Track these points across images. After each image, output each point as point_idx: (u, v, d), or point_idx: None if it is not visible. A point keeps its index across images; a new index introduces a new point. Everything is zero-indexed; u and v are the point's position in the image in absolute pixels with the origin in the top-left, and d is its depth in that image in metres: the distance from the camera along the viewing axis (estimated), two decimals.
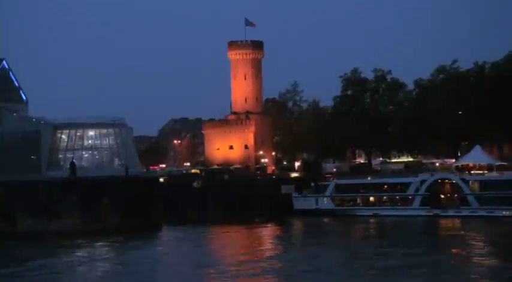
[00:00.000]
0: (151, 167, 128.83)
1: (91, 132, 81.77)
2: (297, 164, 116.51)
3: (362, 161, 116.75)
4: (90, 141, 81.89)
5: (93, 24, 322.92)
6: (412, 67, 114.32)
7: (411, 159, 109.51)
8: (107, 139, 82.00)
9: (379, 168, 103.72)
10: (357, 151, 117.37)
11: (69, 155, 79.90)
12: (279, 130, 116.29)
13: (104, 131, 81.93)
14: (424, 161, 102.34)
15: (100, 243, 65.91)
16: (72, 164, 77.22)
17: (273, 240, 69.10)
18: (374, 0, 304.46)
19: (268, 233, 76.14)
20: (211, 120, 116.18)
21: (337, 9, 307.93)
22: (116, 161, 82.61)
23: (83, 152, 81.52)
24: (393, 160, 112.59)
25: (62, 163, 79.53)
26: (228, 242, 69.15)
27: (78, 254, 60.30)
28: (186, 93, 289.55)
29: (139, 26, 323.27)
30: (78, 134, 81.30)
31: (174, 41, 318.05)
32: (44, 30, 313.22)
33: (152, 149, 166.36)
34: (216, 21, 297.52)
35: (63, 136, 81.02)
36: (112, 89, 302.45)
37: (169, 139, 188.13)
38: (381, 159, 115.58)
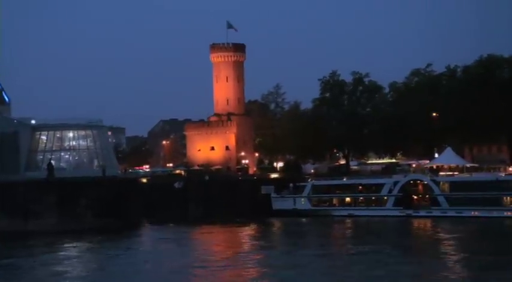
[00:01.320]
0: (136, 168, 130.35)
1: (69, 134, 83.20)
2: (279, 164, 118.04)
3: (343, 162, 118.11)
4: (68, 143, 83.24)
5: (87, 26, 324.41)
6: (391, 70, 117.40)
7: (394, 160, 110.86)
8: (85, 140, 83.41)
9: (357, 169, 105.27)
10: (338, 153, 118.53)
11: (48, 156, 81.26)
12: (261, 131, 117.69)
13: (82, 132, 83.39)
14: (401, 162, 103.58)
15: (74, 243, 66.88)
16: (50, 165, 78.54)
17: (247, 240, 70.40)
18: (354, 5, 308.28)
19: (244, 233, 77.15)
20: (193, 121, 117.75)
21: (318, 12, 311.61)
22: (95, 162, 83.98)
23: (62, 153, 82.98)
24: (374, 161, 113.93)
25: (40, 164, 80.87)
26: (204, 242, 70.30)
27: (51, 253, 61.23)
28: (177, 94, 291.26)
29: (130, 29, 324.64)
30: (57, 135, 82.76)
31: (164, 43, 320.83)
32: (37, 31, 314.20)
33: (138, 149, 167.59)
34: (199, 24, 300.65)
35: (42, 137, 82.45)
36: (106, 90, 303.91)
37: (158, 140, 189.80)
38: (363, 160, 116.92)
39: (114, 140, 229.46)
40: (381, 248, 57.99)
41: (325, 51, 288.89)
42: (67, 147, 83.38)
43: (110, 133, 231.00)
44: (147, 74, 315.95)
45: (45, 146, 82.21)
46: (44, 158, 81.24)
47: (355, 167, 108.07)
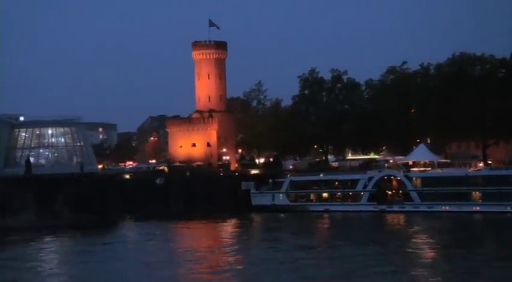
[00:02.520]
0: (121, 164, 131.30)
1: (48, 131, 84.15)
2: (261, 160, 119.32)
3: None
4: (47, 140, 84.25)
5: (80, 27, 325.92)
6: (371, 67, 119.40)
7: (374, 157, 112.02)
8: (64, 137, 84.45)
9: (337, 165, 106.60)
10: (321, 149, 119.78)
11: (27, 153, 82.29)
12: (243, 128, 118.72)
13: (61, 129, 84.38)
14: (379, 158, 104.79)
15: (49, 239, 68.11)
16: (28, 162, 79.60)
17: (220, 235, 71.85)
18: (334, 4, 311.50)
19: (221, 228, 78.47)
20: (174, 118, 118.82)
21: (299, 11, 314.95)
22: (74, 159, 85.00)
23: (41, 150, 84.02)
24: (353, 157, 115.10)
25: (19, 161, 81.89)
26: (180, 237, 71.71)
27: (26, 248, 62.23)
28: (167, 91, 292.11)
29: (116, 28, 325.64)
30: (36, 132, 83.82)
31: (151, 41, 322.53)
32: (31, 30, 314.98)
33: (124, 146, 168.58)
34: (181, 22, 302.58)
35: (21, 134, 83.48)
36: (99, 87, 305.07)
37: (147, 136, 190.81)
38: (349, 156, 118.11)
39: (105, 136, 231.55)
40: (349, 243, 59.62)
41: (307, 49, 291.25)
42: (46, 144, 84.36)
43: (101, 129, 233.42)
44: (137, 72, 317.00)
45: (24, 143, 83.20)
46: (23, 155, 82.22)
47: (335, 163, 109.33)
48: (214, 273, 47.50)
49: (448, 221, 74.79)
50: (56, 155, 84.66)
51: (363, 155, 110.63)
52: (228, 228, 78.94)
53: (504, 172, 79.94)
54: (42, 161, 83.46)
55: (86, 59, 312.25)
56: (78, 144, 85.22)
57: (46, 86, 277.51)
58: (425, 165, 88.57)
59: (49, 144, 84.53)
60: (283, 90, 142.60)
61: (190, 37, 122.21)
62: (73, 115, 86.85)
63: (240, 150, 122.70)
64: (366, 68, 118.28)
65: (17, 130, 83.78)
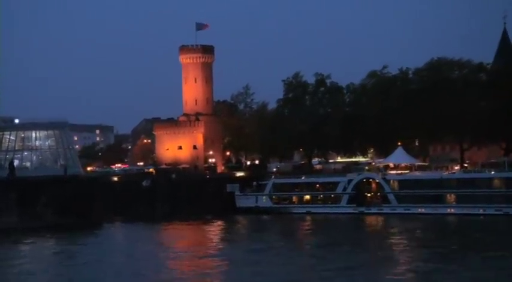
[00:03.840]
0: (112, 166, 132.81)
1: (32, 134, 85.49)
2: (248, 163, 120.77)
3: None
4: (31, 142, 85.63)
5: (81, 27, 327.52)
6: (355, 71, 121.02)
7: (363, 159, 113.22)
8: (48, 140, 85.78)
9: (320, 168, 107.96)
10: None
11: (11, 156, 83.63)
12: (230, 131, 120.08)
13: (45, 132, 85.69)
14: (360, 160, 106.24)
15: (28, 240, 68.97)
16: (11, 164, 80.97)
17: (205, 237, 73.15)
18: (321, 8, 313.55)
19: (205, 230, 79.66)
20: (161, 121, 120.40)
21: (286, 14, 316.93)
22: (59, 162, 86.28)
23: (25, 153, 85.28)
24: (339, 160, 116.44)
25: (3, 164, 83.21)
26: (160, 239, 72.42)
27: (6, 250, 63.47)
28: (162, 93, 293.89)
29: (107, 31, 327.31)
30: (20, 135, 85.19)
31: (149, 44, 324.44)
32: (27, 31, 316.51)
33: (115, 148, 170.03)
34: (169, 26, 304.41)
35: (5, 137, 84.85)
36: (98, 89, 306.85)
37: (141, 138, 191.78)
38: (338, 159, 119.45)
39: (102, 138, 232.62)
40: (321, 244, 61.26)
41: (293, 52, 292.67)
42: (30, 147, 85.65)
43: (98, 132, 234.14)
44: (137, 74, 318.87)
45: (8, 145, 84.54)
46: (7, 158, 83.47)
47: (319, 166, 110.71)
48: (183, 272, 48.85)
49: (423, 222, 76.10)
50: (40, 157, 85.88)
51: (347, 157, 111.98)
52: (211, 229, 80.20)
53: (477, 175, 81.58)
54: (26, 164, 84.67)
55: (86, 59, 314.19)
56: (63, 147, 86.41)
57: (46, 87, 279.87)
58: (405, 168, 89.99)
59: (33, 147, 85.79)
60: (271, 93, 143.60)
61: (179, 40, 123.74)
62: (59, 117, 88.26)
63: (228, 153, 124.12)
64: (350, 71, 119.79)
65: (1, 133, 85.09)
